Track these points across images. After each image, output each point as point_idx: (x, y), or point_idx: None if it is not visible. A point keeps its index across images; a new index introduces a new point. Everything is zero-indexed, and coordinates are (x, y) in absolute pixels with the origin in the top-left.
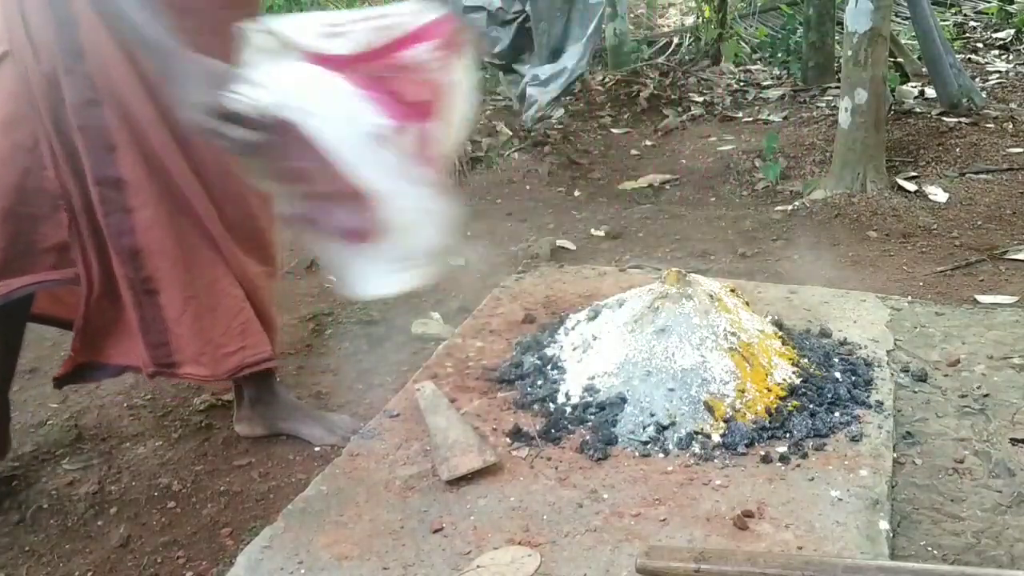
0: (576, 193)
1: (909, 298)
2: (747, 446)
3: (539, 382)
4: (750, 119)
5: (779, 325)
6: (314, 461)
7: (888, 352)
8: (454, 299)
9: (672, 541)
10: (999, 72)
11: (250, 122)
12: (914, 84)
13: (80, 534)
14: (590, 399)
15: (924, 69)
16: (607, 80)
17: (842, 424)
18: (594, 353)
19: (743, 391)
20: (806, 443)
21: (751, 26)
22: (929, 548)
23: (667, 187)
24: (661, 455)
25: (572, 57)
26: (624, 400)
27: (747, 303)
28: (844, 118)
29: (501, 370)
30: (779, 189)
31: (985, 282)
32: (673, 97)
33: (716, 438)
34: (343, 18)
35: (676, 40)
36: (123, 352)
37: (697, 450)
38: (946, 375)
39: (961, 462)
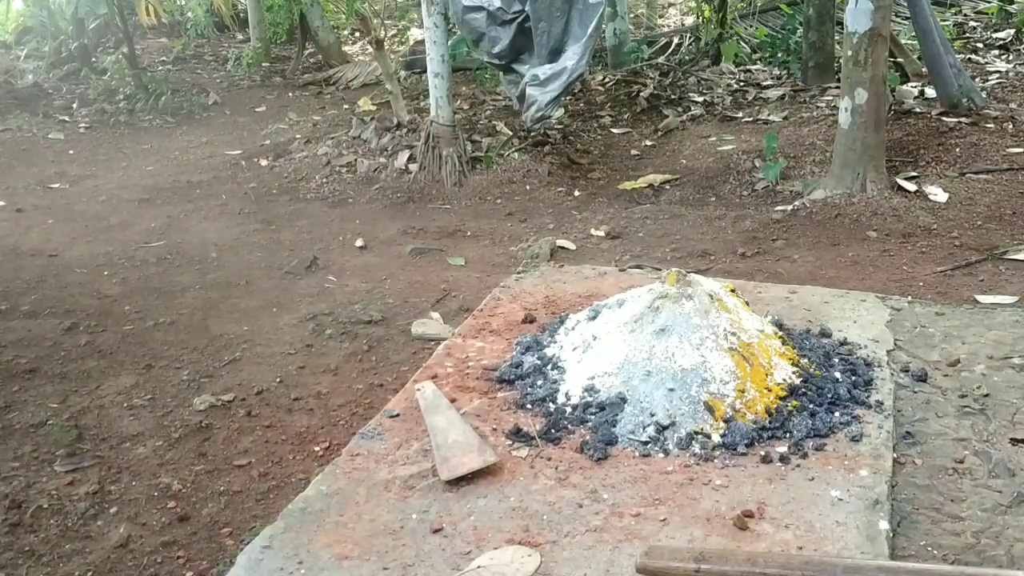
0: (576, 193)
1: (909, 298)
2: (747, 446)
3: (539, 382)
4: (750, 119)
5: (779, 325)
6: (314, 461)
7: (888, 352)
8: (454, 299)
9: (672, 541)
10: (999, 72)
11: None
12: (914, 84)
13: (80, 534)
14: (590, 399)
15: (924, 69)
16: (607, 80)
17: (842, 424)
18: (594, 353)
19: (743, 391)
20: (806, 443)
21: (751, 26)
22: (929, 548)
23: (667, 187)
24: (661, 455)
25: (572, 57)
26: (624, 400)
27: (747, 303)
28: (844, 118)
29: (501, 370)
30: (779, 189)
31: (985, 282)
32: (673, 97)
33: (716, 438)
34: None
35: (676, 40)
36: None
37: (697, 450)
38: (946, 375)
39: (961, 462)
